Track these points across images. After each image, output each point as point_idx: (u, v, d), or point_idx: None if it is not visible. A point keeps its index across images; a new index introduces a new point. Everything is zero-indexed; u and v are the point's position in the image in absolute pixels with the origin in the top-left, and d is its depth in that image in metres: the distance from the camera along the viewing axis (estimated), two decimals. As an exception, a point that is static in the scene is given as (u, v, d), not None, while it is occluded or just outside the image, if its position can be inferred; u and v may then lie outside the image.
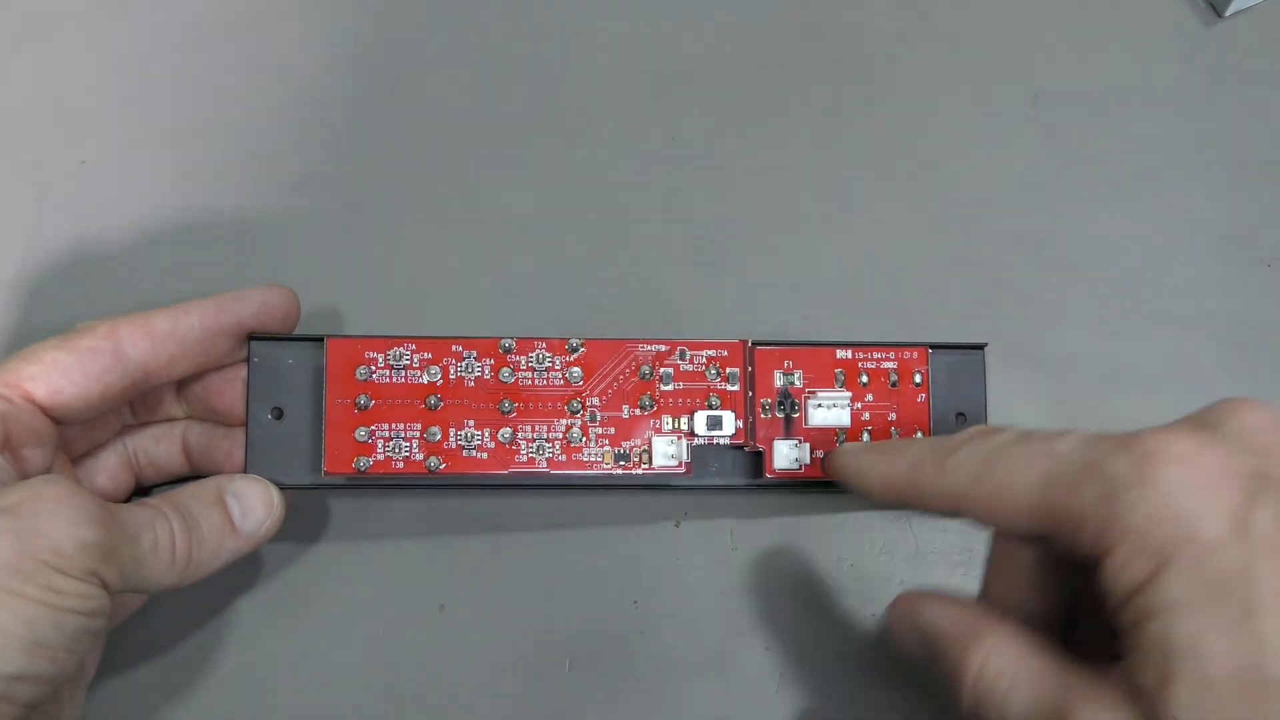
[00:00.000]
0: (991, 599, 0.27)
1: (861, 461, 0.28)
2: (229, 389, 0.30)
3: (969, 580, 0.33)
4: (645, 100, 0.36)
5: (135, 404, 0.31)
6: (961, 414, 0.32)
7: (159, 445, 0.31)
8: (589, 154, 0.36)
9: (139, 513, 0.26)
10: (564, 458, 0.30)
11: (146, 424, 0.31)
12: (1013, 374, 0.34)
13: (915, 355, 0.32)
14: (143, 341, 0.28)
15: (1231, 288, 0.35)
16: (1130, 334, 0.35)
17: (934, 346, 0.32)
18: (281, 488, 0.29)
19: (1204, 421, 0.23)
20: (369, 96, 0.36)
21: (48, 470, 0.28)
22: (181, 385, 0.31)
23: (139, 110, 0.35)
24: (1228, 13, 0.37)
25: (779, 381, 0.31)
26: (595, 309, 0.34)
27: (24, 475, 0.27)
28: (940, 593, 0.27)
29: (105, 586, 0.24)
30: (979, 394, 0.32)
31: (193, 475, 0.32)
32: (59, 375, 0.27)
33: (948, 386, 0.32)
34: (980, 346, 0.32)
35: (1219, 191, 0.36)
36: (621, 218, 0.35)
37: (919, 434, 0.31)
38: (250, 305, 0.29)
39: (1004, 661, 0.24)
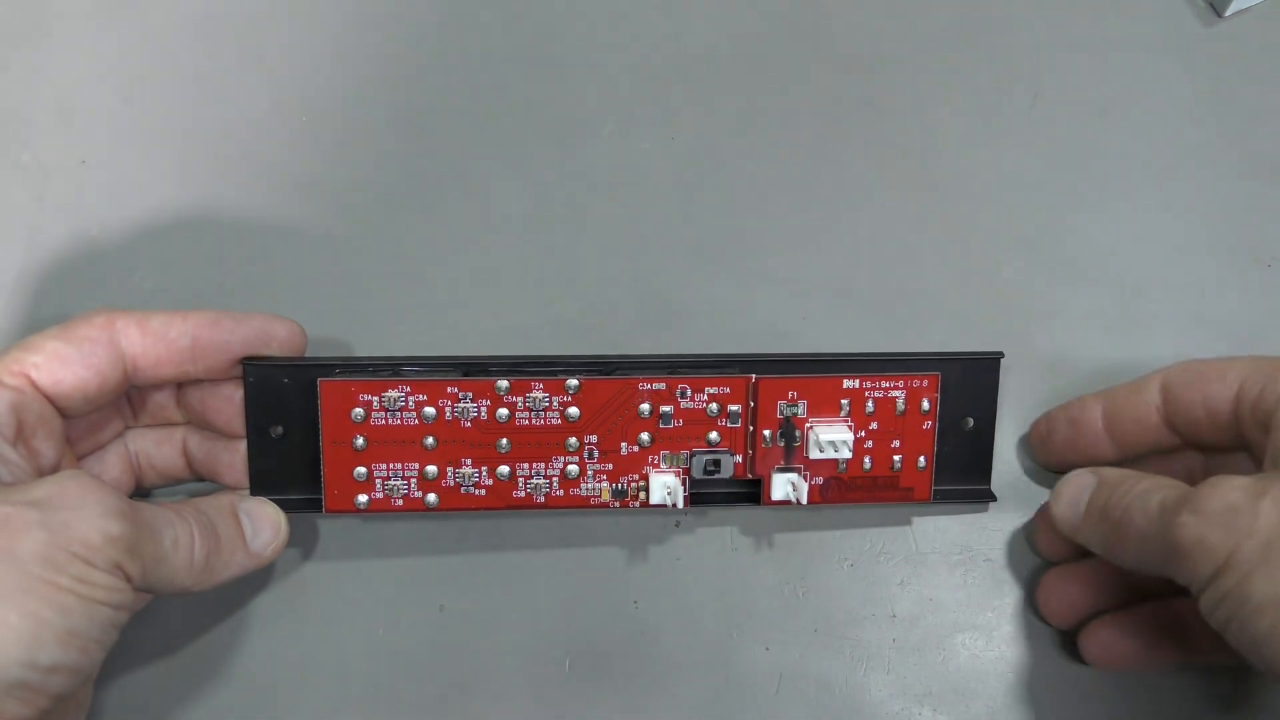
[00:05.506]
0: None
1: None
2: (226, 407, 0.30)
3: (969, 580, 0.33)
4: (645, 100, 0.36)
5: (135, 405, 0.31)
6: (970, 419, 0.32)
7: (160, 449, 0.31)
8: (589, 154, 0.36)
9: (160, 512, 0.26)
10: (561, 493, 0.31)
11: (148, 426, 0.31)
12: (1012, 373, 0.34)
13: (925, 383, 0.31)
14: (136, 335, 0.28)
15: (1231, 288, 0.35)
16: (1130, 334, 0.35)
17: (951, 355, 0.32)
18: (286, 510, 0.30)
19: None
20: (368, 96, 0.36)
21: (57, 464, 0.28)
22: (179, 393, 0.31)
23: (139, 110, 0.35)
24: (1228, 13, 0.37)
25: (782, 413, 0.31)
26: (594, 309, 0.34)
27: (37, 468, 0.27)
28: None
29: (129, 580, 0.24)
30: (990, 400, 0.32)
31: (193, 480, 0.32)
32: (59, 365, 0.27)
33: (958, 392, 0.32)
34: (997, 356, 0.32)
35: (1219, 191, 0.36)
36: (621, 218, 0.35)
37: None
38: (248, 328, 0.29)
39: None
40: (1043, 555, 0.33)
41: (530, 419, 0.30)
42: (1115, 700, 0.32)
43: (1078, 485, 0.30)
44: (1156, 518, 0.26)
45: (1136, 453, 0.32)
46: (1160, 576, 0.27)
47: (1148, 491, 0.27)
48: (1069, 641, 0.32)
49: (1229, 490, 0.25)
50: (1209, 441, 0.30)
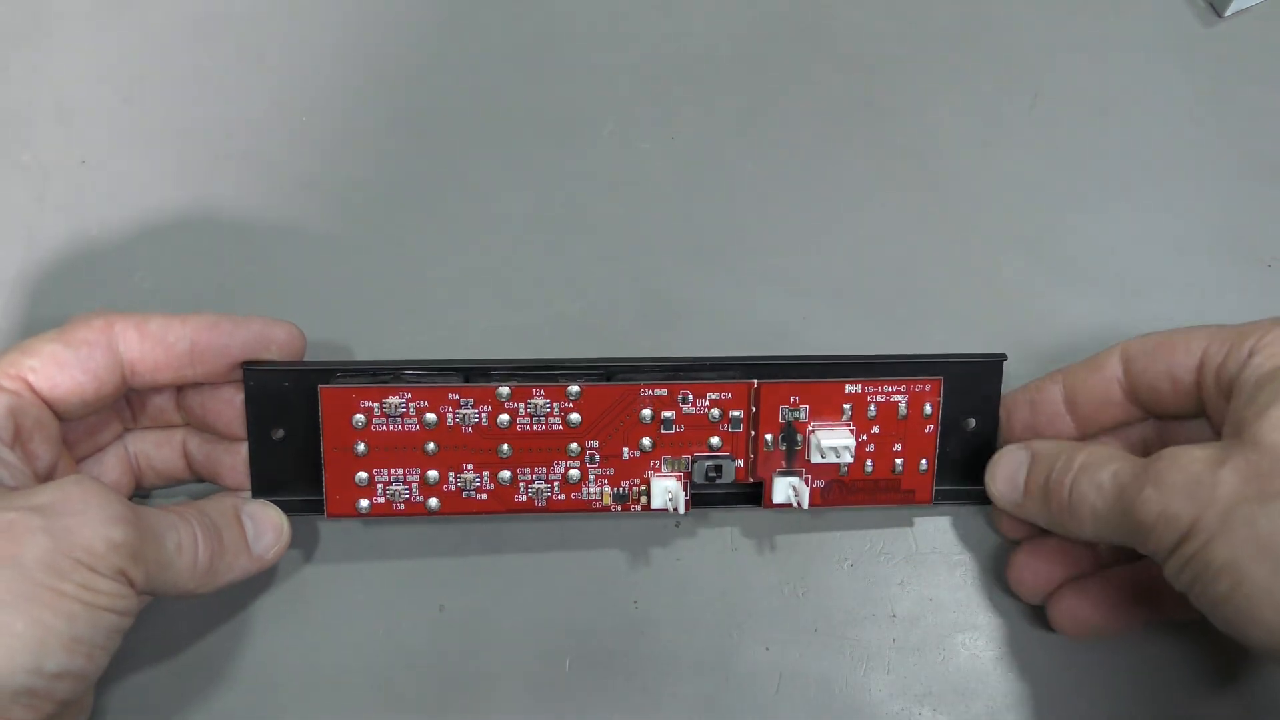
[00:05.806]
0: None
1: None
2: (226, 409, 0.30)
3: (969, 579, 0.33)
4: (645, 100, 0.36)
5: (134, 407, 0.31)
6: (972, 419, 0.32)
7: (160, 450, 0.31)
8: (589, 154, 0.36)
9: (163, 516, 0.26)
10: (563, 497, 0.30)
11: (148, 428, 0.31)
12: (1011, 373, 0.34)
13: (928, 387, 0.31)
14: (134, 339, 0.28)
15: (1231, 288, 0.35)
16: (1130, 334, 0.35)
17: (954, 358, 0.32)
18: (287, 512, 0.30)
19: None
20: (368, 96, 0.36)
21: (54, 466, 0.28)
22: (178, 395, 0.31)
23: (139, 110, 0.35)
24: (1228, 13, 0.37)
25: (784, 417, 0.31)
26: (594, 309, 0.34)
27: (34, 472, 0.27)
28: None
29: (132, 586, 0.24)
30: (993, 402, 0.32)
31: (193, 481, 0.32)
32: (56, 369, 0.27)
33: (960, 393, 0.32)
34: (1000, 358, 0.32)
35: (1219, 191, 0.36)
36: (621, 218, 0.35)
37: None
38: (247, 332, 0.29)
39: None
40: (1006, 535, 0.33)
41: (531, 425, 0.30)
42: (1118, 700, 0.32)
43: (1011, 463, 0.30)
44: (1113, 494, 0.26)
45: (1098, 430, 0.32)
46: (1120, 546, 0.27)
47: (1092, 465, 0.27)
48: (1069, 641, 0.32)
49: (1189, 462, 0.25)
50: (1170, 411, 0.30)
